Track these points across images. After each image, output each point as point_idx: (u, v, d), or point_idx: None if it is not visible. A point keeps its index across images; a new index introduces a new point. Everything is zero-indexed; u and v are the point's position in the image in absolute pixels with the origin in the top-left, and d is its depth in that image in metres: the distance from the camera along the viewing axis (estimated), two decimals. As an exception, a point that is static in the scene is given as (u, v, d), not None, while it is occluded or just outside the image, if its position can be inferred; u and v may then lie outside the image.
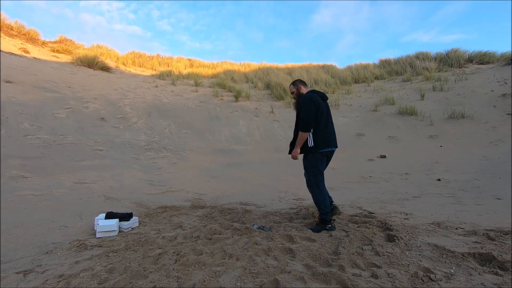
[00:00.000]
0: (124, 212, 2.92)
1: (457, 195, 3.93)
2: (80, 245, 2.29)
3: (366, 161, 6.97)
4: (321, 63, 17.38)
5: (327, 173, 6.02)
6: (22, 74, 7.81)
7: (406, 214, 3.13)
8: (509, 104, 8.46)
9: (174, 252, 2.13)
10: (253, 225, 2.83)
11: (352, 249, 2.15)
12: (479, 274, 1.72)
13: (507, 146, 6.35)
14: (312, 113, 2.72)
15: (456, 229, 2.53)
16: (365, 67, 15.82)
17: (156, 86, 11.70)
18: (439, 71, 13.24)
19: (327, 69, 16.16)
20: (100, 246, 2.29)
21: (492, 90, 9.56)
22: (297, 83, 3.02)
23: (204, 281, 1.67)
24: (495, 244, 2.10)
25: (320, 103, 2.79)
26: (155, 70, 15.10)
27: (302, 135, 2.74)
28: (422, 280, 1.66)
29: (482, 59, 13.25)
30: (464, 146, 7.13)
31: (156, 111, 9.17)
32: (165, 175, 5.55)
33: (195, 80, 13.22)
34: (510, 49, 15.75)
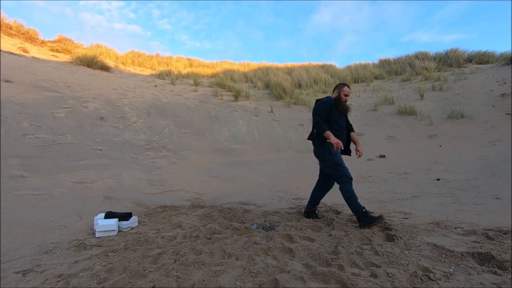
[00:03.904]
0: (124, 212, 2.92)
1: (456, 194, 3.94)
2: (80, 244, 2.29)
3: (365, 161, 6.98)
4: (320, 63, 17.38)
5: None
6: (21, 74, 7.79)
7: (405, 213, 3.14)
8: (509, 103, 8.48)
9: (174, 252, 2.13)
10: (253, 224, 2.83)
11: (352, 248, 2.15)
12: (478, 273, 1.72)
13: (506, 145, 6.36)
14: None
15: (455, 228, 2.53)
16: (365, 66, 15.83)
17: (156, 86, 11.69)
18: (438, 71, 13.25)
19: (326, 68, 16.16)
20: (100, 246, 2.29)
21: (491, 90, 9.58)
22: None
23: (204, 281, 1.67)
24: (494, 244, 2.11)
25: None
26: (154, 69, 15.08)
27: None
28: (421, 279, 1.66)
29: (482, 59, 13.26)
30: (463, 146, 7.14)
31: (156, 110, 9.16)
32: (165, 174, 5.54)
33: (195, 79, 13.21)
34: (509, 49, 15.78)
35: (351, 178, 2.83)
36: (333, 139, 2.75)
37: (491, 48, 21.78)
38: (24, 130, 5.38)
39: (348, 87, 3.06)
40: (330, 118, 2.96)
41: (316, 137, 2.98)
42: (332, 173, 2.92)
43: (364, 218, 2.65)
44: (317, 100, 3.10)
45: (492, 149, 6.42)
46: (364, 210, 2.68)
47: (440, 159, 6.34)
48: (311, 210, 3.15)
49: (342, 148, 2.77)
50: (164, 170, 5.83)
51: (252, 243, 2.29)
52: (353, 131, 3.25)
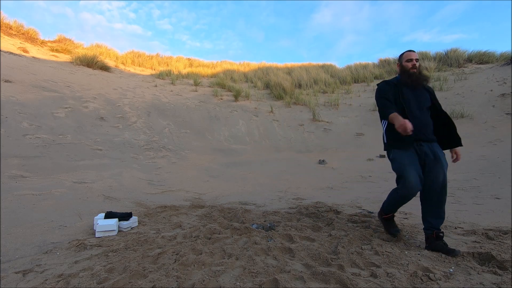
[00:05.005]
0: (124, 212, 2.92)
1: (456, 194, 3.93)
2: (80, 244, 2.29)
3: (365, 161, 6.97)
4: (320, 63, 17.38)
5: (326, 172, 5.96)
6: (21, 74, 7.79)
7: (405, 213, 3.14)
8: (509, 103, 8.48)
9: (174, 252, 2.13)
10: (253, 224, 2.83)
11: (352, 248, 2.15)
12: (478, 273, 1.72)
13: (506, 145, 6.35)
14: None
15: (455, 228, 2.53)
16: (365, 66, 15.82)
17: (156, 86, 11.69)
18: (438, 71, 13.25)
19: (326, 68, 16.16)
20: (100, 246, 2.29)
21: (492, 90, 9.58)
22: None
23: (204, 281, 1.67)
24: (494, 244, 2.11)
25: None
26: (154, 69, 15.08)
27: None
28: (421, 279, 1.66)
29: (482, 59, 13.27)
30: (463, 146, 7.13)
31: (156, 110, 9.16)
32: (165, 174, 5.54)
33: (195, 79, 13.21)
34: (509, 49, 15.77)
35: (409, 195, 2.13)
36: (396, 122, 2.05)
37: (491, 48, 21.80)
38: (24, 130, 5.38)
39: (411, 51, 2.33)
40: (396, 101, 2.27)
41: (384, 139, 2.38)
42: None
43: (384, 222, 2.39)
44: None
45: (492, 149, 6.42)
46: (391, 216, 2.35)
47: (440, 159, 6.33)
48: (431, 236, 2.14)
49: (409, 132, 2.01)
50: (164, 170, 5.83)
51: (252, 243, 2.29)
52: (447, 116, 2.33)
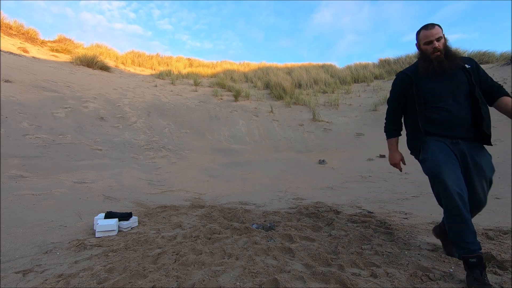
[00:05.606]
0: (124, 212, 2.92)
1: (456, 194, 3.93)
2: (80, 244, 2.29)
3: (365, 161, 6.97)
4: (320, 63, 17.37)
5: (326, 172, 5.96)
6: (21, 74, 7.79)
7: (406, 213, 3.14)
8: (508, 103, 8.47)
9: (174, 252, 2.13)
10: (253, 224, 2.83)
11: (352, 248, 2.15)
12: (478, 273, 1.72)
13: (506, 145, 6.35)
14: None
15: (455, 228, 2.53)
16: (365, 66, 15.82)
17: (156, 86, 11.68)
18: (438, 71, 13.23)
19: (326, 68, 16.16)
20: (100, 246, 2.29)
21: (491, 90, 9.57)
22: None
23: (204, 281, 1.67)
24: (494, 244, 2.11)
25: None
26: (154, 69, 15.07)
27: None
28: (421, 279, 1.66)
29: (482, 58, 13.25)
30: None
31: (156, 110, 9.15)
32: (165, 174, 5.54)
33: (195, 79, 13.21)
34: (509, 49, 15.76)
35: (454, 208, 1.61)
36: (389, 156, 1.93)
37: (491, 48, 21.81)
38: (24, 130, 5.38)
39: (429, 27, 1.79)
40: (408, 96, 1.86)
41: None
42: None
43: (467, 270, 1.59)
44: None
45: (492, 149, 6.40)
46: (472, 260, 1.55)
47: (440, 159, 6.33)
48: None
49: (396, 168, 1.91)
50: (164, 170, 5.83)
51: (252, 243, 2.29)
52: (503, 95, 1.75)
